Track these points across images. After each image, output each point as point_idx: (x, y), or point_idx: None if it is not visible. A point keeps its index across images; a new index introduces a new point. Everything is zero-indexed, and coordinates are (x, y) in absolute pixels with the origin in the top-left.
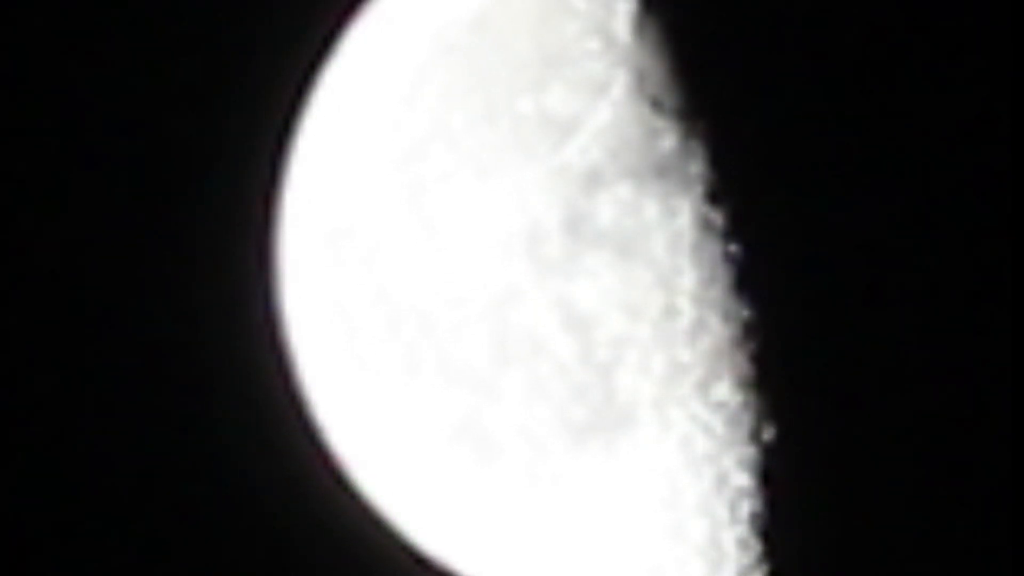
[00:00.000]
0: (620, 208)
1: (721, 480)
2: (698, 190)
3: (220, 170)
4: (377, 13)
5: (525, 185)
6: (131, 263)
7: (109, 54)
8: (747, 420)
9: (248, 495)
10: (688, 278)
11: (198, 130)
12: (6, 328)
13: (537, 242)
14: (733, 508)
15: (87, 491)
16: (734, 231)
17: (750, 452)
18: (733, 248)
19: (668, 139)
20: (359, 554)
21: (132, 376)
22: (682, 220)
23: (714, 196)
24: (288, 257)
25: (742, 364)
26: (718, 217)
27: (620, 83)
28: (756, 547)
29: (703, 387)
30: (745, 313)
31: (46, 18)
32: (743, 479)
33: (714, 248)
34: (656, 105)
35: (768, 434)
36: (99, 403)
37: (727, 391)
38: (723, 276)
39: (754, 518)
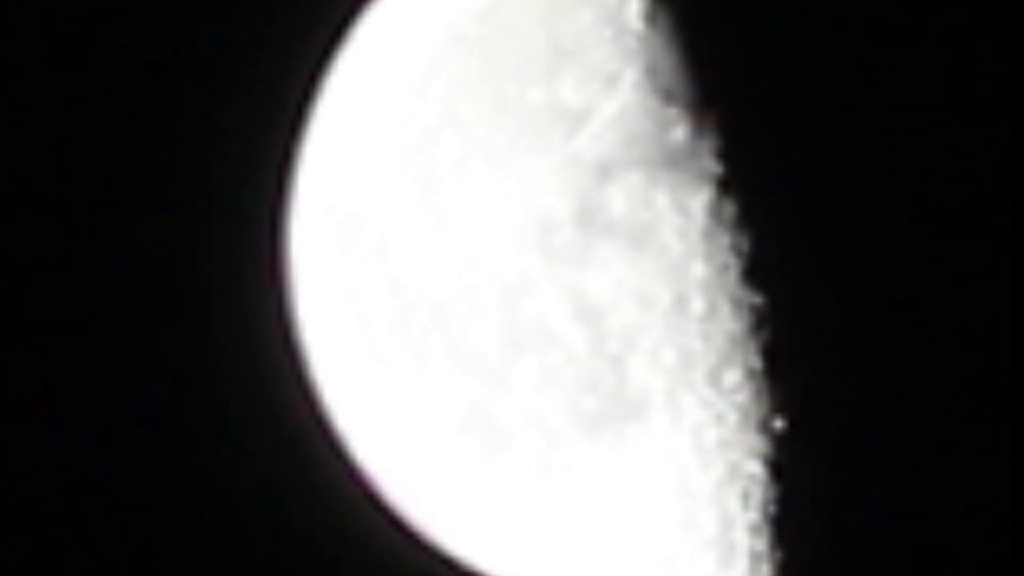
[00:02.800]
0: (631, 198)
1: (732, 470)
2: (709, 180)
3: (232, 161)
4: (388, 3)
5: (536, 175)
6: (140, 254)
7: (118, 49)
8: (758, 410)
9: (258, 486)
10: (699, 268)
11: (210, 121)
12: (16, 326)
13: (548, 232)
14: (744, 498)
15: (100, 490)
16: (745, 221)
17: (761, 442)
18: (744, 238)
19: (679, 130)
20: (369, 545)
21: (142, 368)
22: (693, 210)
23: (725, 186)
24: (299, 247)
25: (753, 354)
26: (729, 207)
27: (631, 74)
28: (767, 537)
29: (714, 377)
30: (756, 303)
31: (52, 10)
32: (754, 469)
33: (725, 238)
34: (667, 96)
35: (779, 424)
36: (109, 400)
37: (738, 381)
38: (734, 266)
39: (765, 508)
